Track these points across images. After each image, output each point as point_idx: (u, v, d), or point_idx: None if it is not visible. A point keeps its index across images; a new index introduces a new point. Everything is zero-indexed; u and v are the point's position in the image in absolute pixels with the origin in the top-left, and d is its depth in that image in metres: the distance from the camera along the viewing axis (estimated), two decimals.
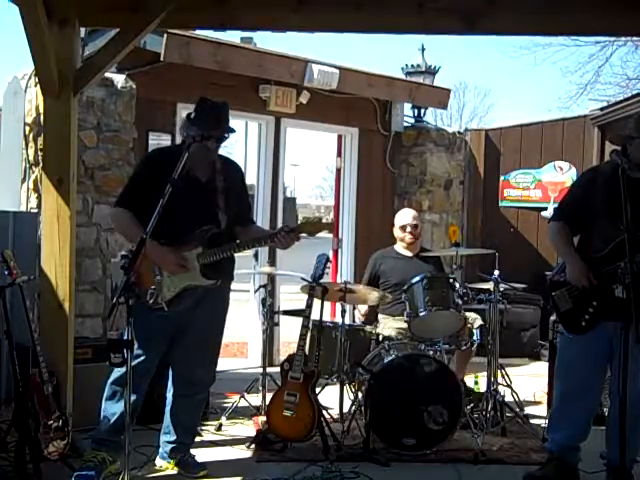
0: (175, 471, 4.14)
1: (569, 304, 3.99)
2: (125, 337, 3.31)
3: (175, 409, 4.19)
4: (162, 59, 5.96)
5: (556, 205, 7.88)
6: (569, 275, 3.96)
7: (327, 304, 6.12)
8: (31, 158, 5.53)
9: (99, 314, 5.68)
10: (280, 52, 6.83)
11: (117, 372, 3.91)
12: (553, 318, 5.22)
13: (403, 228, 5.80)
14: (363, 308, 5.77)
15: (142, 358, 3.92)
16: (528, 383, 6.19)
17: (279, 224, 7.28)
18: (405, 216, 5.89)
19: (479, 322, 5.43)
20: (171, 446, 4.18)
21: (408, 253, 5.81)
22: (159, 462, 4.20)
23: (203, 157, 3.99)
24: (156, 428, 4.35)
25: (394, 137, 8.19)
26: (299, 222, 4.27)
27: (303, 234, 3.97)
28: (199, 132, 3.83)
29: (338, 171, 8.03)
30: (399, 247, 5.86)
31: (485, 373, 5.24)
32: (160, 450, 4.22)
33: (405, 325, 5.17)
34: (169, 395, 4.21)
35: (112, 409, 3.97)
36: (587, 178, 4.18)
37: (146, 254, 3.62)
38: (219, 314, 4.20)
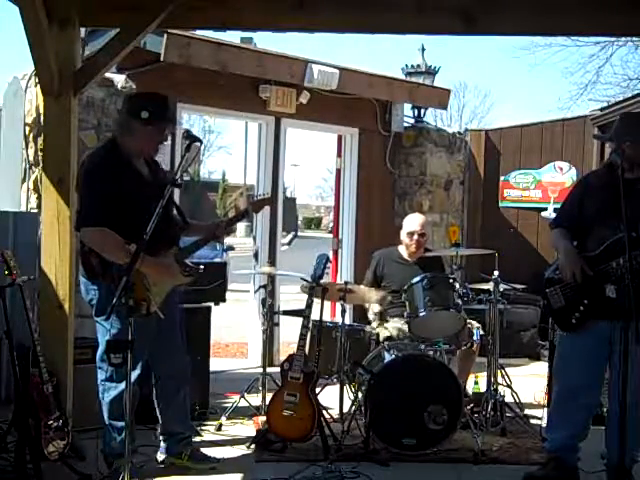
0: (186, 464, 4.19)
1: (562, 301, 4.00)
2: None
3: (168, 408, 4.20)
4: (162, 59, 5.96)
5: (556, 205, 7.91)
6: (560, 265, 3.96)
7: (327, 304, 6.12)
8: (31, 158, 5.53)
9: None
10: (280, 52, 6.83)
11: (115, 389, 3.89)
12: None
13: (410, 235, 5.69)
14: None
15: (138, 371, 3.94)
16: (528, 383, 6.19)
17: (279, 225, 7.29)
18: (414, 222, 5.75)
19: (480, 331, 5.42)
20: (179, 442, 4.22)
21: (410, 258, 5.74)
22: (169, 459, 4.23)
23: (152, 154, 4.03)
24: (156, 428, 4.35)
25: (394, 137, 8.19)
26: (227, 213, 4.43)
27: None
28: (157, 128, 3.83)
29: (338, 171, 8.03)
30: (403, 250, 5.77)
31: (485, 373, 5.24)
32: (166, 447, 4.24)
33: (404, 326, 5.17)
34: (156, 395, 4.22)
35: (121, 423, 3.94)
36: (583, 183, 4.25)
37: (137, 272, 3.58)
38: (177, 304, 4.22)
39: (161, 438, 4.27)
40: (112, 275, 3.68)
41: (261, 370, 5.30)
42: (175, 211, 4.17)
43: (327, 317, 6.71)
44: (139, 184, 3.73)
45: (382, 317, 5.56)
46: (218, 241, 4.26)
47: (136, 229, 3.50)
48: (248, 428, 5.01)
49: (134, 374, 3.89)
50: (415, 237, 5.68)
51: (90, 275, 3.87)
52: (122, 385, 3.82)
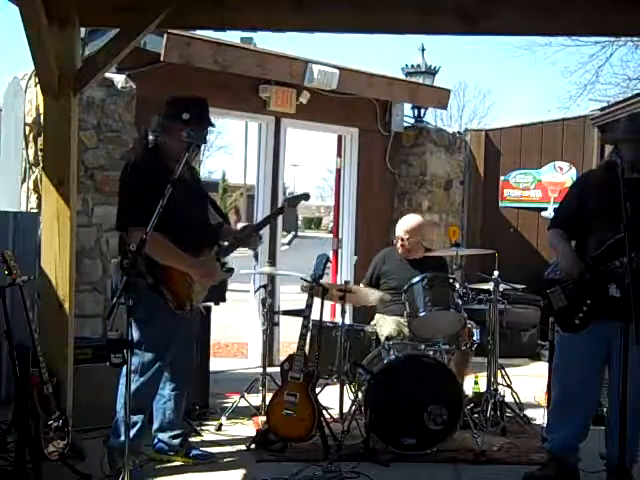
0: (186, 461, 4.23)
1: (563, 302, 3.99)
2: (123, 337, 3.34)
3: (175, 405, 4.25)
4: (162, 59, 5.96)
5: (556, 205, 7.91)
6: (561, 266, 3.96)
7: (327, 304, 6.12)
8: (31, 158, 5.53)
9: (99, 314, 5.68)
10: (280, 52, 6.83)
11: (135, 382, 3.84)
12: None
13: (396, 238, 5.73)
14: None
15: (160, 363, 3.97)
16: (528, 383, 6.19)
17: (279, 224, 7.29)
18: (400, 227, 5.75)
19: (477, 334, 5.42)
20: (179, 439, 4.26)
21: (410, 256, 5.73)
22: (166, 457, 4.25)
23: (192, 157, 4.05)
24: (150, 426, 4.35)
25: (394, 137, 8.19)
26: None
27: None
28: (198, 132, 3.84)
29: (338, 171, 8.03)
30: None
31: (485, 373, 5.24)
32: (161, 445, 4.27)
33: (403, 321, 5.17)
34: (166, 393, 4.23)
35: (135, 418, 3.92)
36: (581, 183, 4.27)
37: (181, 271, 3.79)
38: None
39: (157, 435, 4.30)
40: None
41: (261, 370, 5.30)
42: (214, 210, 4.26)
43: (327, 317, 6.71)
44: (182, 189, 3.69)
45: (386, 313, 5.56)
46: (249, 245, 4.29)
47: (174, 231, 3.70)
48: (248, 428, 5.01)
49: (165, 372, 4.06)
50: (399, 242, 5.70)
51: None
52: (143, 379, 3.91)
